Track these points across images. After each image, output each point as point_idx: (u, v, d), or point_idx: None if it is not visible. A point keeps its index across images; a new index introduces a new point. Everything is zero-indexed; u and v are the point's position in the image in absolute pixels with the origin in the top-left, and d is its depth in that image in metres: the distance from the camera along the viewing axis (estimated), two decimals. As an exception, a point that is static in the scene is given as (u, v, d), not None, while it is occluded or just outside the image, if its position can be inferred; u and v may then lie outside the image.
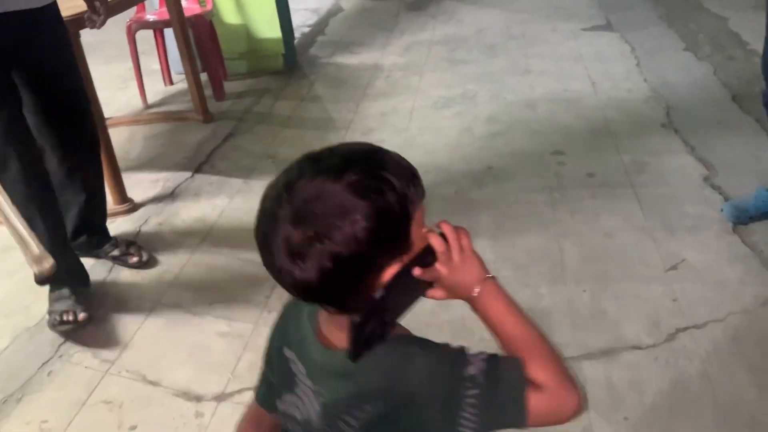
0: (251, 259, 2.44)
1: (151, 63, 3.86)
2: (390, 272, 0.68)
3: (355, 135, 3.21)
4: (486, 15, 4.87)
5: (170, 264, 2.26)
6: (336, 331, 0.73)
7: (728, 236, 2.16)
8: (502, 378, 0.68)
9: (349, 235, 0.64)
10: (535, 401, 0.67)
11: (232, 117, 3.41)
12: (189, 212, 2.58)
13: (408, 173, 0.70)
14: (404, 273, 0.69)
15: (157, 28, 3.57)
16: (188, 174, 2.87)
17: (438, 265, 0.71)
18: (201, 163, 2.96)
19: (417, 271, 0.69)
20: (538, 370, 0.68)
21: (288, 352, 0.80)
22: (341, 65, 4.15)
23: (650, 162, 2.66)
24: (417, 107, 3.44)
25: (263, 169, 2.89)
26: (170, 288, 2.16)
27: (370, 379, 0.71)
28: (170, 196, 2.70)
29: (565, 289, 2.01)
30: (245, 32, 3.92)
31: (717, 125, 2.88)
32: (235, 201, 2.63)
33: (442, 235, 0.73)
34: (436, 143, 3.04)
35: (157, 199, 2.67)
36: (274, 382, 0.85)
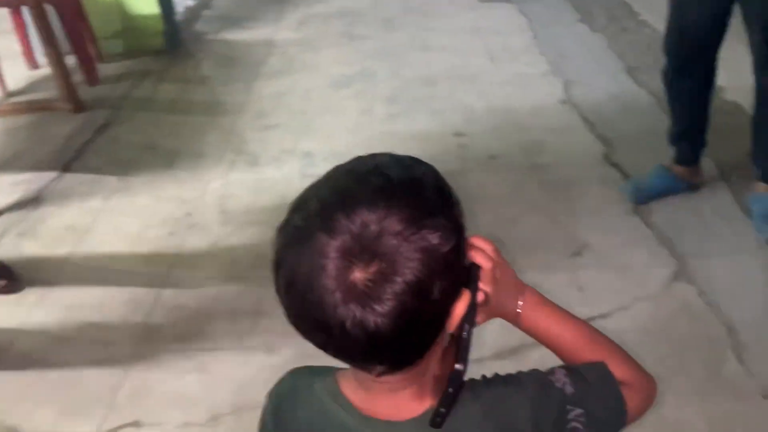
0: (131, 270, 2.30)
1: (12, 44, 3.43)
2: (462, 304, 0.55)
3: (248, 118, 2.99)
4: (383, -13, 4.69)
5: (34, 282, 1.99)
6: (395, 398, 0.59)
7: (630, 217, 2.14)
8: (594, 387, 0.62)
9: (429, 260, 0.51)
10: (629, 399, 0.63)
11: (108, 105, 3.09)
12: (57, 219, 2.30)
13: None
14: (471, 304, 0.56)
15: (11, 5, 3.14)
16: (55, 173, 2.56)
17: (482, 286, 0.58)
18: (70, 160, 2.65)
19: (480, 297, 0.57)
20: (617, 368, 0.64)
21: None
22: (231, 42, 3.87)
23: (551, 141, 2.62)
24: (315, 87, 3.25)
25: (144, 162, 2.63)
26: (34, 311, 1.90)
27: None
28: (34, 200, 2.40)
29: (471, 283, 1.92)
30: (119, 8, 3.55)
31: (614, 100, 2.88)
32: (112, 202, 2.37)
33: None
34: (335, 126, 2.88)
35: (17, 206, 2.36)
36: None
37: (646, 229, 2.08)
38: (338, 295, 0.49)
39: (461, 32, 3.72)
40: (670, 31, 1.94)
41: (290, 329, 0.56)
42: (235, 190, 2.47)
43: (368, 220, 0.50)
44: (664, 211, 2.14)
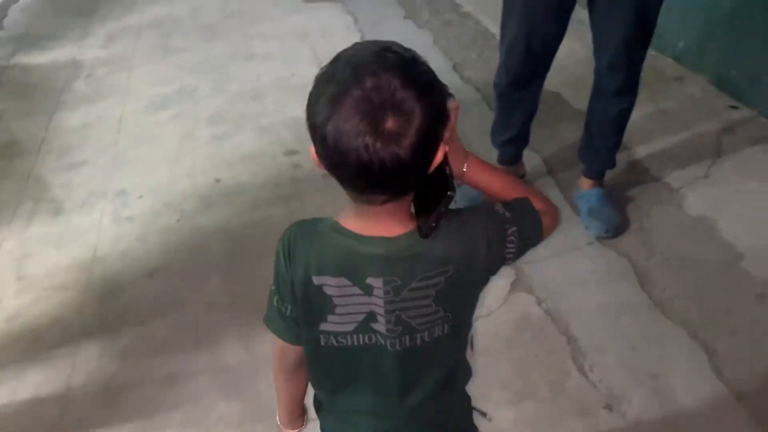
0: None
1: None
2: (442, 151, 0.74)
3: (49, 158, 2.64)
4: (201, -10, 4.38)
5: None
6: (390, 220, 0.79)
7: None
8: (522, 213, 0.85)
9: (431, 108, 0.70)
10: (544, 221, 0.86)
11: None
12: None
13: None
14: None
15: None
16: None
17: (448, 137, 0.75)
18: None
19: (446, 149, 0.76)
20: (536, 201, 0.87)
21: (320, 279, 0.81)
22: (28, 67, 3.42)
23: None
24: (127, 112, 2.94)
25: None
26: None
27: (448, 249, 0.80)
28: None
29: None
30: None
31: (443, 99, 2.84)
32: None
33: None
34: (152, 157, 2.60)
35: None
36: (296, 317, 0.87)
37: (483, 238, 2.04)
38: (373, 139, 0.67)
39: (288, 37, 3.54)
40: (513, 45, 1.84)
41: None
42: (34, 248, 2.15)
43: (393, 84, 0.67)
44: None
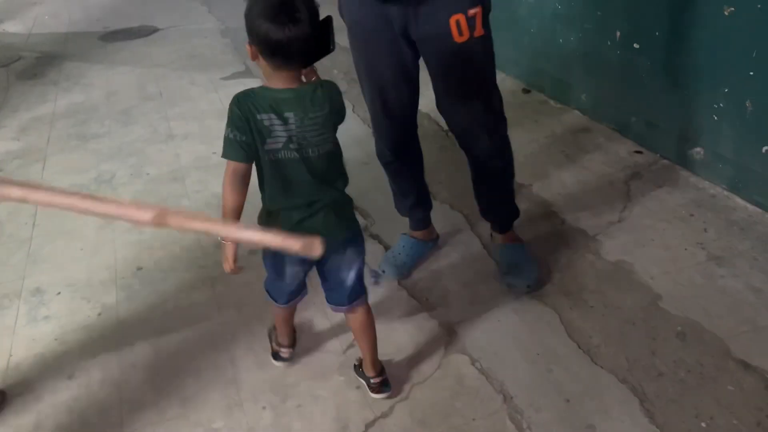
0: None
1: None
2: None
3: (-42, 262, 2.49)
4: (117, 75, 4.36)
5: None
6: (294, 80, 1.38)
7: (396, 292, 2.10)
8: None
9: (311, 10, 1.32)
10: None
11: None
12: None
13: None
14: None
15: None
16: None
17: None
18: None
19: None
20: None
21: (262, 116, 1.35)
22: (-69, 166, 3.27)
23: (310, 221, 2.53)
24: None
25: None
26: None
27: (325, 96, 1.39)
28: None
29: (243, 413, 1.72)
30: None
31: (363, 167, 2.88)
32: None
33: None
34: (69, 251, 2.50)
35: None
36: (250, 142, 1.37)
37: (412, 301, 2.05)
38: (287, 28, 1.27)
39: (207, 116, 3.55)
40: (378, 119, 1.94)
41: None
42: (-59, 364, 2.00)
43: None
44: (425, 279, 2.13)
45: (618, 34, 2.69)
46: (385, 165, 2.08)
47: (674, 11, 2.38)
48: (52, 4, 6.64)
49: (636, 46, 2.62)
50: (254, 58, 1.35)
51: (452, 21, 1.64)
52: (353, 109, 3.47)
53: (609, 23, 2.74)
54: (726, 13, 2.16)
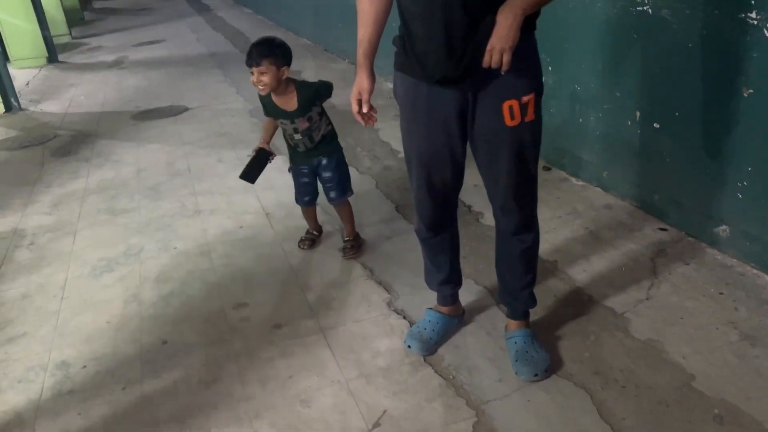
0: None
1: None
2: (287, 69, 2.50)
3: (-14, 334, 2.52)
4: (147, 152, 4.51)
5: None
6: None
7: (422, 369, 2.08)
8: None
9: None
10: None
11: None
12: None
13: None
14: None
15: None
16: None
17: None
18: None
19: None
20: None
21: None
22: (-33, 240, 3.36)
23: (336, 296, 2.54)
24: (71, 278, 2.88)
25: None
26: None
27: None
28: None
29: (266, 494, 1.68)
30: None
31: (387, 241, 2.92)
32: None
33: None
34: (95, 324, 2.52)
35: None
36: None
37: (438, 378, 2.02)
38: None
39: (234, 191, 3.63)
40: (420, 195, 1.97)
41: None
42: (-36, 438, 1.99)
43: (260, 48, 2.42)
44: (452, 355, 2.11)
45: (637, 114, 2.76)
46: (422, 240, 2.11)
47: (693, 92, 2.44)
48: (87, 86, 6.97)
49: (656, 125, 2.67)
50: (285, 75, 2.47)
51: (505, 106, 1.70)
52: (376, 185, 3.54)
53: (628, 103, 2.81)
54: (745, 95, 2.21)
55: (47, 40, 8.46)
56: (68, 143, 4.88)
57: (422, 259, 2.23)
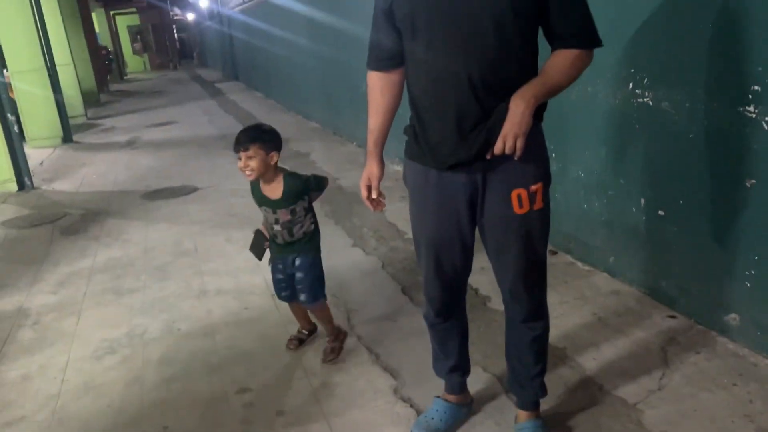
0: None
1: None
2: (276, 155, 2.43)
3: (-17, 418, 2.46)
4: (155, 231, 4.56)
5: None
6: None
7: (429, 461, 2.01)
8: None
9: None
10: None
11: None
12: None
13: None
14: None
15: None
16: None
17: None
18: None
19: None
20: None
21: None
22: (-29, 319, 3.34)
23: (340, 381, 2.49)
24: (72, 360, 2.85)
25: None
26: None
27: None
28: None
29: None
30: None
31: (393, 325, 2.89)
32: None
33: None
34: (95, 407, 2.47)
35: None
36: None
37: (447, 474, 1.95)
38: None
39: (240, 272, 3.64)
40: (429, 280, 1.98)
41: None
42: None
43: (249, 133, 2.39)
44: (461, 446, 2.05)
45: (642, 200, 2.79)
46: (430, 325, 2.10)
47: (696, 181, 2.49)
48: (100, 165, 7.13)
49: (661, 212, 2.70)
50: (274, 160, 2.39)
51: (514, 194, 1.73)
52: (383, 266, 3.54)
53: (632, 190, 2.85)
54: (748, 185, 2.25)
55: (63, 121, 8.74)
56: (78, 222, 4.94)
57: (430, 345, 2.20)
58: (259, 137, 2.38)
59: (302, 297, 2.59)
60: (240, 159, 2.38)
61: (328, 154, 6.50)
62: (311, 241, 2.56)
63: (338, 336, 2.72)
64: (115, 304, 3.40)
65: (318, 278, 2.59)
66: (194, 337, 2.96)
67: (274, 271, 2.63)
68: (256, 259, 2.67)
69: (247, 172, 2.39)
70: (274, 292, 2.70)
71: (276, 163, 2.43)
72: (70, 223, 4.93)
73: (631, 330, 2.64)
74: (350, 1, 6.06)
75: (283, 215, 2.46)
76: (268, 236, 2.58)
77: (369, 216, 4.36)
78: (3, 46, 8.02)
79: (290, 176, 2.46)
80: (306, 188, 2.48)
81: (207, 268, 3.77)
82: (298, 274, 2.56)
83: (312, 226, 2.55)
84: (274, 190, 2.45)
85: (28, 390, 2.63)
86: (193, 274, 3.70)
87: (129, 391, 2.57)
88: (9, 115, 5.96)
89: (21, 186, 6.07)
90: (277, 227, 2.49)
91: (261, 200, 2.50)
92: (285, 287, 2.63)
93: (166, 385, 2.59)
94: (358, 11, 5.57)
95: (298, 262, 2.55)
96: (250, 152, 2.36)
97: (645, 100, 2.66)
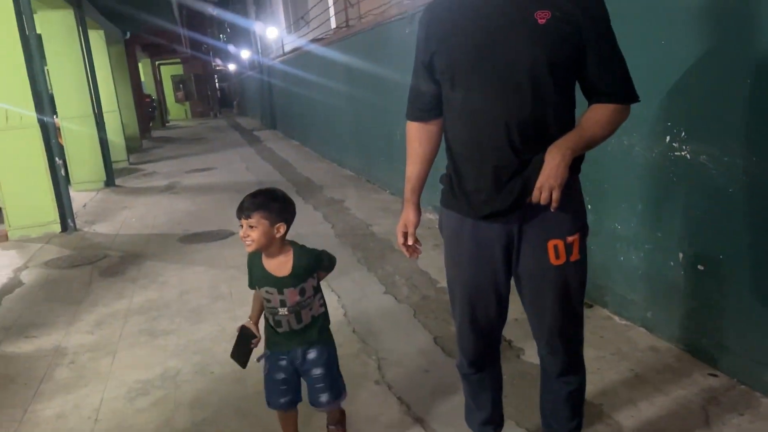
0: None
1: None
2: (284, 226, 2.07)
3: (17, 455, 2.49)
4: (192, 274, 4.64)
5: None
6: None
7: None
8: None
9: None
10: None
11: None
12: None
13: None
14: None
15: None
16: None
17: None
18: None
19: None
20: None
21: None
22: (11, 357, 3.42)
23: (370, 431, 2.46)
24: (106, 400, 2.88)
25: None
26: None
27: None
28: None
29: None
30: None
31: (425, 375, 2.86)
32: None
33: None
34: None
35: None
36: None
37: None
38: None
39: (272, 316, 3.66)
40: (462, 330, 1.97)
41: None
42: None
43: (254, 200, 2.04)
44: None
45: (680, 255, 2.75)
46: (463, 376, 2.08)
47: (737, 236, 2.44)
48: (140, 208, 7.33)
49: (700, 267, 2.65)
50: (280, 233, 2.03)
51: (550, 245, 1.73)
52: (414, 315, 3.53)
53: (670, 244, 2.81)
54: (790, 240, 2.20)
55: (107, 165, 9.04)
56: (117, 263, 5.06)
57: (462, 396, 2.17)
58: (265, 205, 2.01)
59: (323, 398, 2.17)
60: (241, 227, 2.04)
61: (361, 201, 6.57)
62: (324, 329, 2.19)
63: (342, 419, 2.45)
64: (150, 346, 3.44)
65: (338, 372, 2.24)
66: (227, 382, 2.97)
67: (271, 372, 2.18)
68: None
69: (247, 242, 2.03)
70: (266, 400, 2.24)
71: (283, 236, 2.06)
72: (110, 264, 5.05)
73: (670, 388, 2.57)
74: (385, 53, 6.22)
75: (291, 296, 2.07)
76: (257, 333, 2.21)
77: (401, 264, 4.37)
78: (55, 93, 8.41)
79: (302, 249, 2.11)
80: (317, 265, 2.14)
81: (241, 312, 3.79)
82: (316, 371, 2.15)
83: (323, 309, 2.19)
84: (281, 265, 2.07)
85: (62, 429, 2.66)
86: (227, 318, 3.74)
87: (160, 434, 2.57)
88: (57, 158, 6.20)
89: (64, 227, 6.25)
90: (283, 311, 2.09)
91: (262, 279, 2.11)
92: (286, 391, 2.18)
93: (197, 428, 2.59)
94: (392, 63, 5.71)
95: (312, 355, 2.14)
96: (253, 221, 2.00)
97: (683, 153, 2.65)
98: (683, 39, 2.58)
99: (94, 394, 2.94)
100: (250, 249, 2.05)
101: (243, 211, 2.02)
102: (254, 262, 2.13)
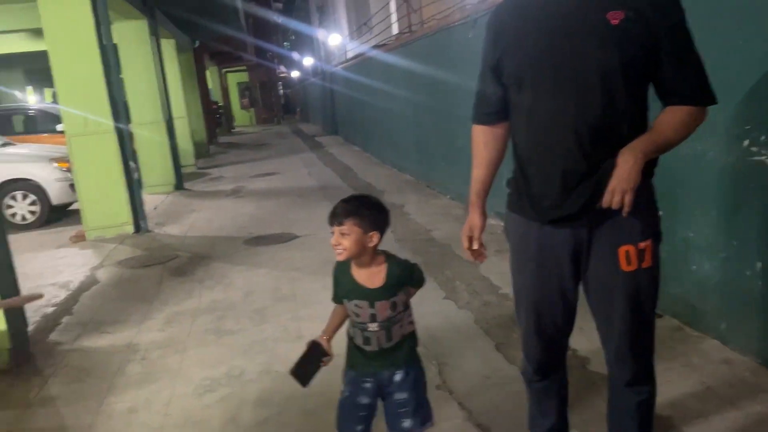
0: None
1: None
2: (376, 236, 1.90)
3: (93, 445, 2.61)
4: (256, 276, 4.75)
5: None
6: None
7: None
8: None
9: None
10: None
11: None
12: None
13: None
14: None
15: None
16: None
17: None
18: None
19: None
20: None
21: None
22: (87, 351, 3.59)
23: (431, 436, 2.45)
24: (176, 396, 2.98)
25: None
26: None
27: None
28: None
29: None
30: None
31: (486, 381, 2.83)
32: None
33: None
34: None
35: None
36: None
37: None
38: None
39: (334, 319, 3.70)
40: (528, 337, 1.95)
41: None
42: None
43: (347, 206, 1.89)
44: None
45: (758, 265, 2.63)
46: (528, 383, 2.05)
47: (820, 245, 2.32)
48: (207, 211, 7.56)
49: (779, 277, 2.53)
50: (373, 242, 1.87)
51: (621, 251, 1.69)
52: (475, 321, 3.50)
53: (747, 253, 2.69)
54: None
55: (177, 169, 9.39)
56: (186, 264, 5.23)
57: (525, 404, 2.14)
58: (357, 212, 1.87)
59: (406, 424, 1.97)
60: (333, 234, 1.91)
61: (421, 206, 6.57)
62: (413, 349, 2.01)
63: None
64: (216, 344, 3.55)
65: (425, 397, 2.03)
66: (290, 381, 2.99)
67: (353, 395, 2.02)
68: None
69: (338, 251, 1.89)
70: (338, 427, 2.08)
71: (376, 245, 1.91)
72: (179, 265, 5.23)
73: (744, 403, 2.45)
74: (447, 58, 6.21)
75: (382, 309, 1.91)
76: (330, 352, 2.07)
77: (462, 269, 4.34)
78: (129, 101, 8.80)
79: (395, 260, 1.96)
80: (410, 277, 1.97)
81: (304, 313, 3.87)
82: (400, 396, 1.96)
83: (412, 327, 2.01)
84: (373, 276, 1.92)
85: (134, 422, 2.78)
86: (290, 318, 3.81)
87: (225, 430, 2.65)
88: (131, 163, 6.48)
89: (137, 228, 6.52)
90: (373, 326, 1.93)
91: (352, 291, 1.96)
92: (365, 418, 2.01)
93: (260, 427, 2.65)
94: (454, 68, 5.70)
95: (398, 377, 1.96)
96: (345, 228, 1.86)
97: (762, 158, 2.53)
98: (763, 36, 2.47)
99: (164, 390, 3.06)
100: (341, 257, 1.90)
101: (335, 217, 1.88)
102: (343, 272, 1.98)
